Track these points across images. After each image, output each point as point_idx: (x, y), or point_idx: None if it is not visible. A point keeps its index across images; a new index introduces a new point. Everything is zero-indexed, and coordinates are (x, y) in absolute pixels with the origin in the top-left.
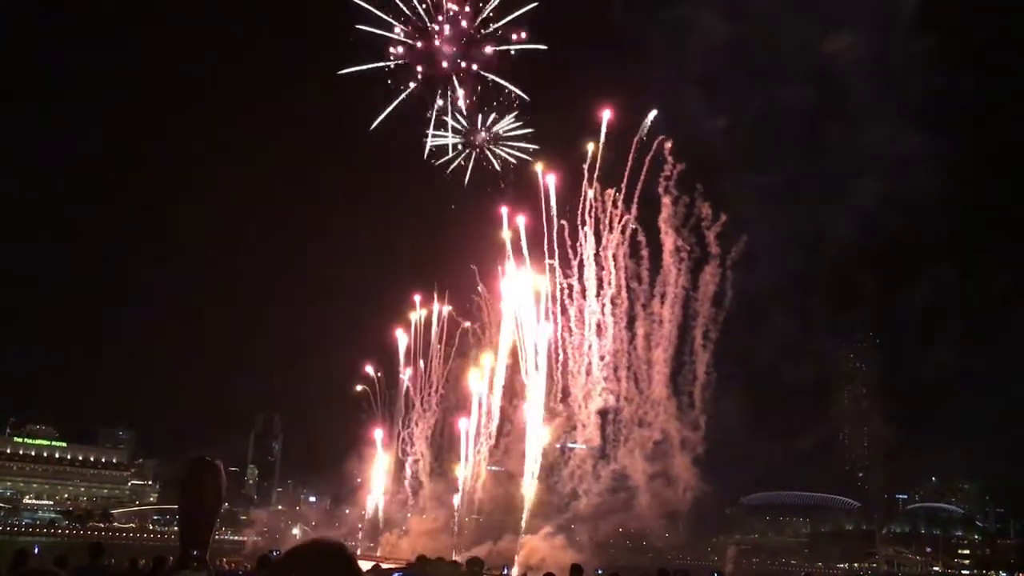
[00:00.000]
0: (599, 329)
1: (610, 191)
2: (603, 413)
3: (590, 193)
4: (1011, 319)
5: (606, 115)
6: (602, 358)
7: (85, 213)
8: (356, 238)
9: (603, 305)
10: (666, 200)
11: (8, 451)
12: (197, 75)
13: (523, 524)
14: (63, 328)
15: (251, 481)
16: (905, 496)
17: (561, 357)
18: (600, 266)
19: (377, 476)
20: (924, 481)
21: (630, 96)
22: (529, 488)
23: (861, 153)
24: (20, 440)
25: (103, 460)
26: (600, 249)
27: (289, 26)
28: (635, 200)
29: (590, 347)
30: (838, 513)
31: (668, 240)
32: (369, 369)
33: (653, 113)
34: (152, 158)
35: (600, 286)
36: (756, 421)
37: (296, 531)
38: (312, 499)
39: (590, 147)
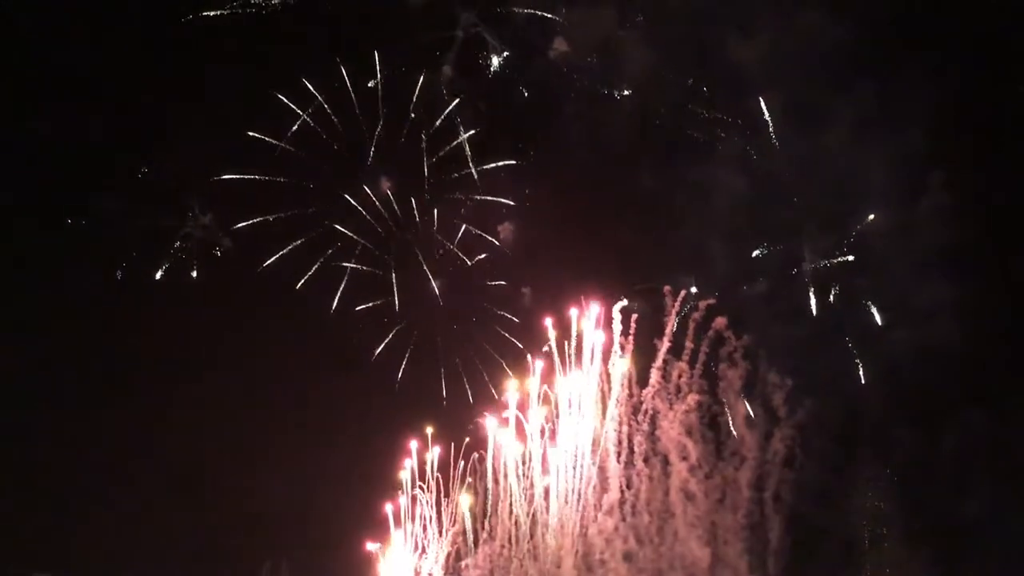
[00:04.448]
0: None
1: (678, 364)
2: None
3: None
4: None
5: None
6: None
7: (82, 359)
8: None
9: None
10: (731, 373)
11: None
12: None
13: None
14: (64, 473)
15: None
16: None
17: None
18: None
19: None
20: None
21: (654, 261)
22: None
23: (889, 304)
24: None
25: None
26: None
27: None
28: (696, 372)
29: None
30: None
31: (738, 410)
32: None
33: (693, 289)
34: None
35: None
36: (781, 568)
37: None
38: None
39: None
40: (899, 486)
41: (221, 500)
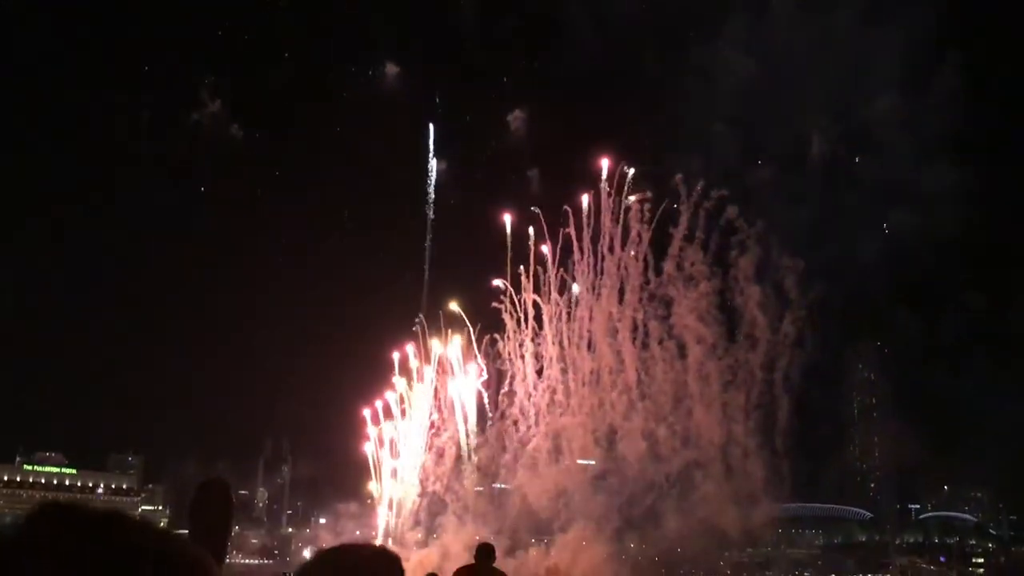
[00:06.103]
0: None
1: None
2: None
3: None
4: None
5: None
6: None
7: (91, 236)
8: (359, 263)
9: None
10: (743, 261)
11: (18, 479)
12: None
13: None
14: (70, 355)
15: (261, 504)
16: (918, 506)
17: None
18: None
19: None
20: (936, 490)
21: (657, 143)
22: None
23: (890, 188)
24: (30, 468)
25: (113, 486)
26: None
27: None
28: (708, 259)
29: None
30: (851, 524)
31: (751, 294)
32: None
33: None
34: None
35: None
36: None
37: (307, 553)
38: (323, 520)
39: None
40: (893, 361)
41: (226, 384)
